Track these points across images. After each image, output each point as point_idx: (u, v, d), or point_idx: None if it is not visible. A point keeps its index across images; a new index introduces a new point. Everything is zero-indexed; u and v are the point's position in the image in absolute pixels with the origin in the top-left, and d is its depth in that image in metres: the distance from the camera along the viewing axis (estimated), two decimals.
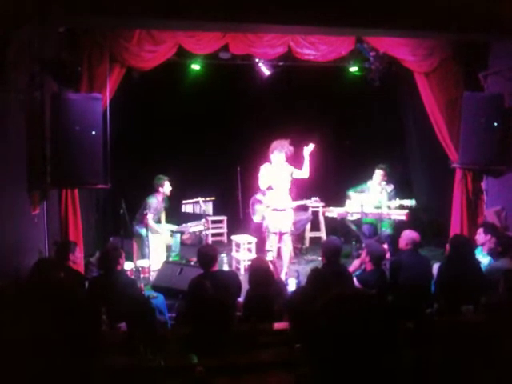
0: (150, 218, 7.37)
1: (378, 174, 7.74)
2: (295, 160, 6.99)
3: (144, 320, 4.56)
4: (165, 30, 6.35)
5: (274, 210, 6.90)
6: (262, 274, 4.79)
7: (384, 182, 7.74)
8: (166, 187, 7.70)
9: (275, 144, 6.81)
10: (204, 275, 4.97)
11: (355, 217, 7.56)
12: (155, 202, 7.63)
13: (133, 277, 6.29)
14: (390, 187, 7.75)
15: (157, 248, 7.52)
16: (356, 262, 6.01)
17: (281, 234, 6.96)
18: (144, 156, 8.57)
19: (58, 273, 4.66)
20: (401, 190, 7.93)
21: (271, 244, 6.89)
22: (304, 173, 6.88)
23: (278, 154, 6.77)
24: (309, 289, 4.42)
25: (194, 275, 5.10)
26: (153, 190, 7.70)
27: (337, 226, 8.32)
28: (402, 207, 7.32)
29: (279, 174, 6.86)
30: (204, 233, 7.93)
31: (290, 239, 7.15)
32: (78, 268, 5.60)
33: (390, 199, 7.50)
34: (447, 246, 5.51)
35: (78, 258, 5.47)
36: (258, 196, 7.63)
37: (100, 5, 5.10)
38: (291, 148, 6.82)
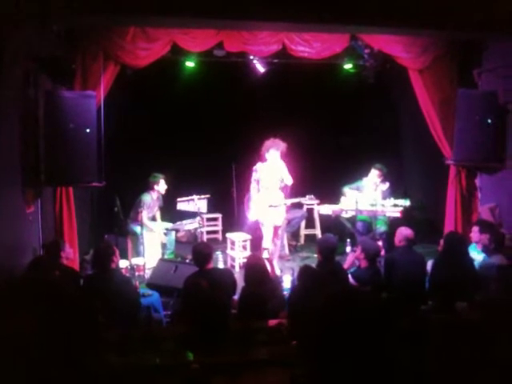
0: (144, 215, 7.36)
1: (374, 173, 7.68)
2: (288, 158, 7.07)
3: (139, 318, 4.58)
4: (159, 27, 6.33)
5: (269, 206, 7.04)
6: (257, 271, 4.80)
7: (379, 180, 7.71)
8: (162, 185, 7.70)
9: (270, 142, 6.94)
10: (199, 273, 4.97)
11: (350, 214, 7.56)
12: (149, 199, 7.62)
13: (128, 275, 6.27)
14: (386, 185, 7.71)
15: (152, 246, 7.51)
16: (350, 257, 5.99)
17: (275, 228, 7.15)
18: (138, 154, 8.53)
19: (54, 271, 4.65)
20: (396, 188, 7.92)
21: (267, 240, 7.00)
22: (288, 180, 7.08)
23: (274, 152, 6.91)
24: (305, 286, 4.43)
25: (189, 273, 5.09)
26: (147, 187, 7.69)
27: (331, 224, 8.32)
28: (396, 207, 7.31)
29: (272, 172, 6.98)
30: (199, 230, 7.91)
31: (284, 233, 7.28)
32: (72, 265, 5.59)
33: (384, 198, 7.45)
34: (441, 241, 5.53)
35: (69, 254, 5.45)
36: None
37: (95, 3, 5.08)
38: (284, 145, 6.95)
